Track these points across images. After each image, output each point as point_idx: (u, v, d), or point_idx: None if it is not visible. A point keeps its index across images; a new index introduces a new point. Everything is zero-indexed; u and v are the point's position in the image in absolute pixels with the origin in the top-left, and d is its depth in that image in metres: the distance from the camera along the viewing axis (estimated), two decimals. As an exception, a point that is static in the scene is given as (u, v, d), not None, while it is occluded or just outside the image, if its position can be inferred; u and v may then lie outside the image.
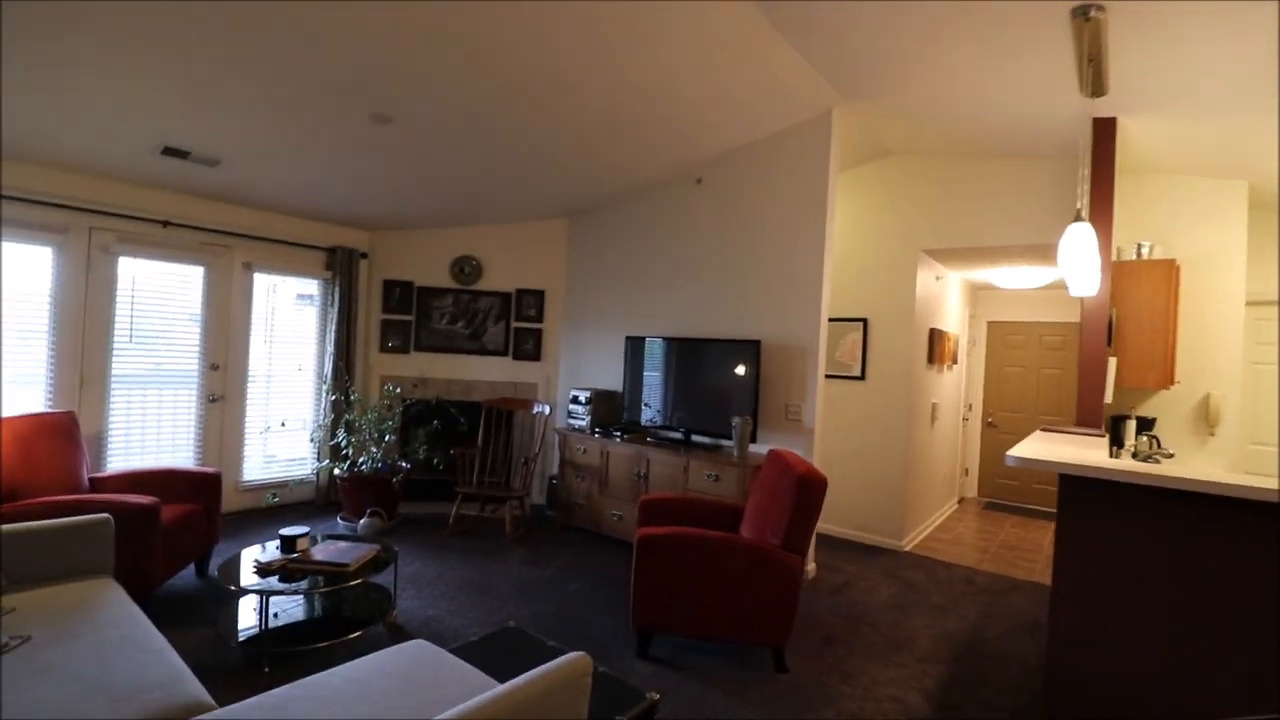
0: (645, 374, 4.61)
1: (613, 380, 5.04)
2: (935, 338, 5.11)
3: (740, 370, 4.08)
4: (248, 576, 2.64)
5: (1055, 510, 2.27)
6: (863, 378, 4.91)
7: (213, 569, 3.48)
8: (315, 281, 5.07)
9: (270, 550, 2.87)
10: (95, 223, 3.94)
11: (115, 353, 4.03)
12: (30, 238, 3.71)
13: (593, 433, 4.62)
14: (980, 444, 6.93)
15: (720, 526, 3.36)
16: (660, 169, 4.59)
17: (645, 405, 4.60)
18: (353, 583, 2.67)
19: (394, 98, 3.30)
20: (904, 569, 4.32)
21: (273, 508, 4.71)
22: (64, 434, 3.25)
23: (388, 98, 3.30)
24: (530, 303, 5.50)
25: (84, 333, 3.90)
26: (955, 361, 6.07)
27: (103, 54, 2.80)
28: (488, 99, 3.37)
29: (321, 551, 2.86)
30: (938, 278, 5.22)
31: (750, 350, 4.04)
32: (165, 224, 4.22)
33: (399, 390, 5.07)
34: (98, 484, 3.34)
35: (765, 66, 3.34)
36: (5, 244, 3.64)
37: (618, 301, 5.11)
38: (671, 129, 3.96)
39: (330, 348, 5.01)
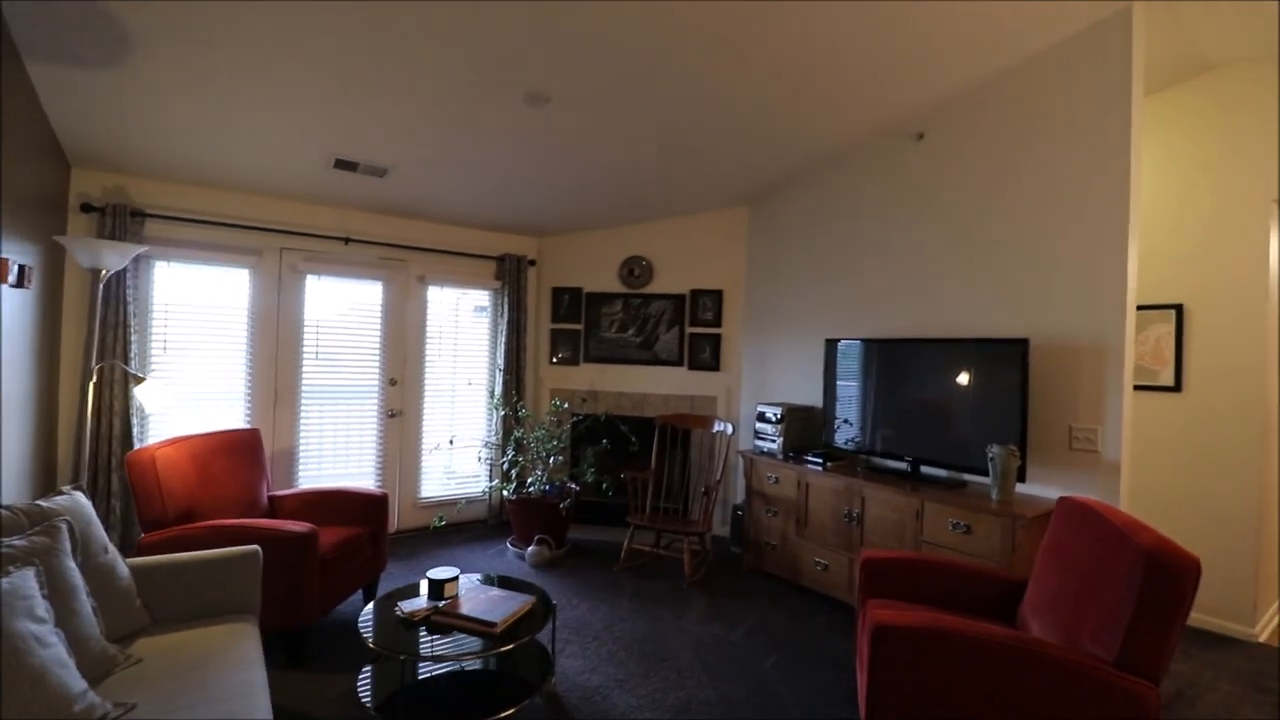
0: (852, 387, 3.67)
1: (808, 394, 4.15)
2: (1294, 328, 3.48)
3: (996, 381, 2.98)
4: (385, 632, 2.25)
5: None
6: (1177, 388, 3.46)
7: (381, 594, 3.26)
8: (486, 292, 4.88)
9: (420, 595, 2.48)
10: (286, 243, 4.03)
11: (304, 369, 4.09)
12: (231, 261, 3.86)
13: (786, 458, 3.78)
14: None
15: (986, 606, 2.35)
16: (862, 129, 3.64)
17: (847, 423, 3.66)
18: (501, 649, 2.16)
19: (549, 72, 2.82)
20: (1268, 673, 2.87)
21: (443, 530, 4.53)
22: (246, 452, 3.22)
23: (542, 73, 2.82)
24: (706, 305, 4.82)
25: (277, 350, 4.00)
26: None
27: (262, 81, 2.76)
28: (650, 62, 2.75)
29: (471, 601, 2.41)
30: (1295, 241, 3.57)
31: (1012, 353, 2.93)
32: (347, 240, 4.23)
33: (566, 405, 4.67)
34: (276, 503, 3.28)
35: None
36: (212, 268, 3.82)
37: (811, 298, 4.22)
38: (879, 71, 3.02)
39: (500, 360, 4.78)
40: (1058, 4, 2.68)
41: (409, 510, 4.51)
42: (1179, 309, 3.45)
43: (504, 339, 4.78)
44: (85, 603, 1.85)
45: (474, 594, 2.48)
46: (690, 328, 4.83)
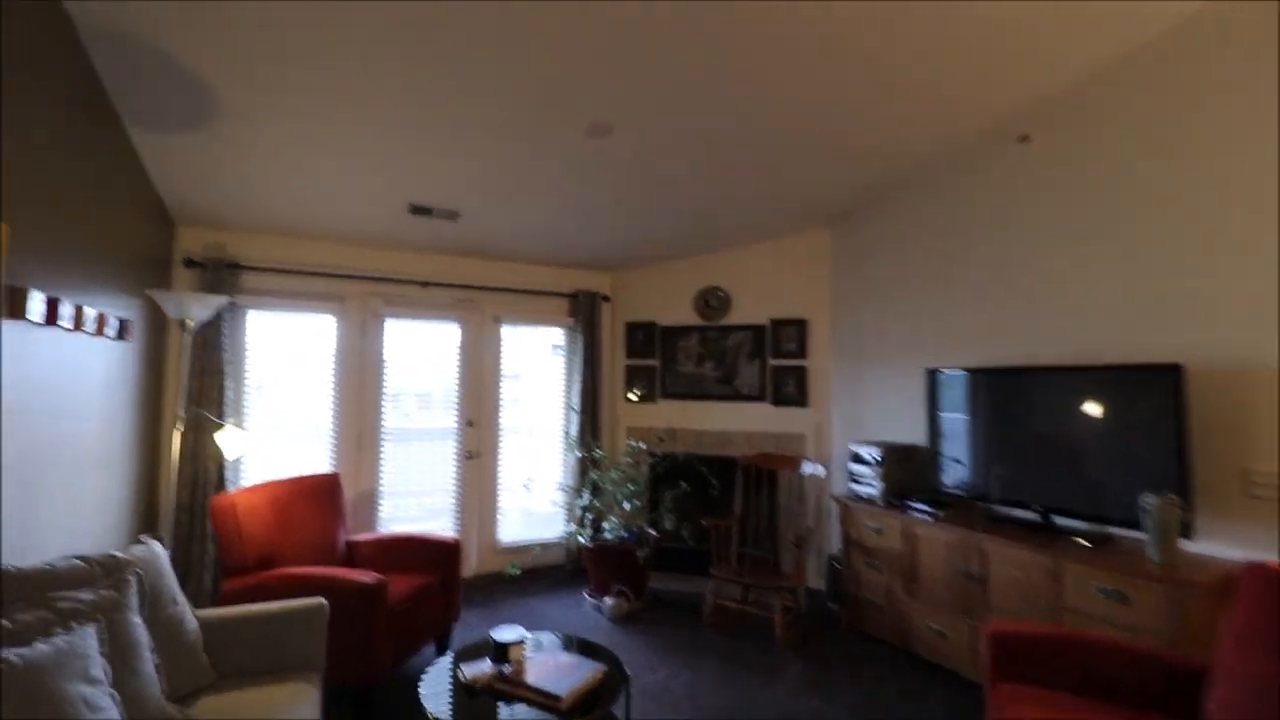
0: (960, 423, 3.25)
1: (909, 431, 3.73)
2: None
3: (1142, 415, 2.51)
4: (445, 701, 2.08)
5: None
6: (1384, 420, 2.80)
7: (455, 645, 3.13)
8: (560, 330, 4.81)
9: (483, 659, 2.31)
10: (367, 289, 4.13)
11: (384, 411, 4.13)
12: (318, 307, 3.99)
13: (888, 505, 3.38)
14: None
15: (1154, 701, 1.89)
16: (961, 130, 3.28)
17: (958, 463, 3.22)
18: (568, 726, 1.94)
19: (610, 100, 2.71)
20: None
21: (520, 577, 4.37)
22: (325, 497, 3.22)
23: (603, 101, 2.71)
24: (789, 335, 4.51)
25: (361, 393, 4.07)
26: None
27: (340, 134, 2.83)
28: (714, 76, 2.58)
29: (538, 667, 2.20)
30: None
31: (1162, 381, 2.45)
32: (425, 284, 4.30)
33: (643, 445, 4.46)
34: (354, 549, 3.26)
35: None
36: (301, 315, 3.97)
37: (908, 324, 3.83)
38: (975, 64, 2.70)
39: (575, 399, 4.66)
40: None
41: (488, 554, 4.41)
42: (1381, 323, 2.81)
43: (579, 377, 4.67)
44: (147, 660, 1.80)
45: (542, 658, 2.28)
46: (772, 359, 4.53)
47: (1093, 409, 2.69)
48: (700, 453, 4.54)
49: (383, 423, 4.12)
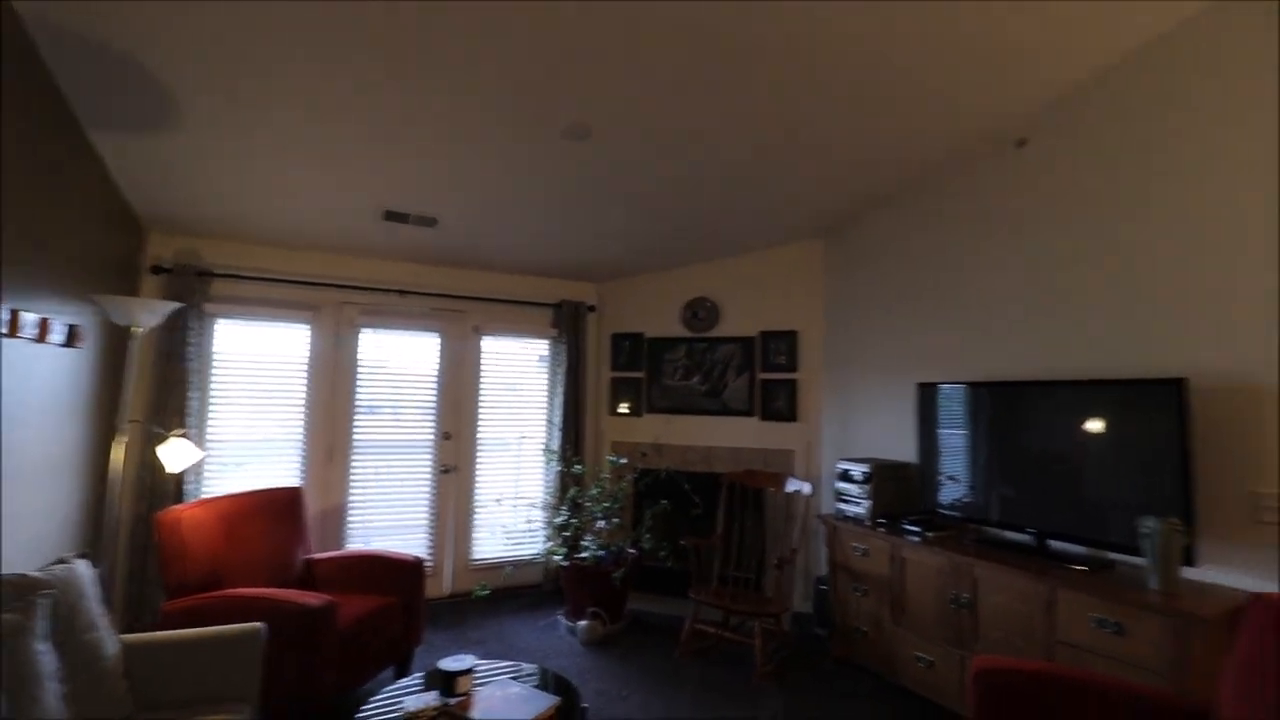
0: (955, 441, 3.09)
1: (900, 448, 3.57)
2: None
3: (1144, 433, 2.35)
4: (382, 737, 1.92)
5: None
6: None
7: (417, 670, 2.97)
8: (543, 341, 4.69)
9: (433, 689, 2.15)
10: (343, 297, 4.02)
11: (356, 422, 4.00)
12: (291, 316, 3.88)
13: (875, 525, 3.20)
14: None
15: (1160, 747, 1.71)
16: (956, 136, 3.16)
17: (953, 480, 3.06)
18: (511, 767, 1.78)
19: (588, 102, 2.60)
20: None
21: (491, 597, 4.16)
22: (283, 512, 3.08)
23: (581, 103, 2.60)
24: (779, 348, 4.36)
25: (333, 404, 3.94)
26: None
27: (305, 135, 2.71)
28: (699, 85, 2.47)
29: (486, 700, 2.05)
30: None
31: (1164, 397, 2.29)
32: (403, 293, 4.19)
33: (625, 460, 4.31)
34: (314, 568, 3.11)
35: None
36: (273, 324, 3.86)
37: (901, 338, 3.68)
38: (970, 70, 2.57)
39: (557, 412, 4.52)
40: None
41: (462, 573, 4.25)
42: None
43: (562, 389, 4.53)
44: (49, 690, 1.65)
45: (492, 691, 2.12)
46: (762, 373, 4.38)
47: (1092, 426, 2.53)
48: (686, 469, 4.38)
49: (355, 435, 3.99)
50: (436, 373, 4.30)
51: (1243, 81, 2.29)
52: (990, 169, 3.20)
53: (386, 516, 4.07)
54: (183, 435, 3.09)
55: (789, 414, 4.29)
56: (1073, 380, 2.65)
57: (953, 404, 3.11)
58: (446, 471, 4.25)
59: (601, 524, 3.85)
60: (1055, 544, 2.64)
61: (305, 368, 3.91)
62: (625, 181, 3.33)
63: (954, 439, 3.09)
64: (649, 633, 3.68)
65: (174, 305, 2.85)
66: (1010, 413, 2.84)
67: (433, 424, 4.25)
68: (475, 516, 4.33)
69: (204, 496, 3.33)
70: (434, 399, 4.27)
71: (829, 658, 3.34)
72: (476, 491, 4.35)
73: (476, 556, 4.32)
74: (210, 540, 2.68)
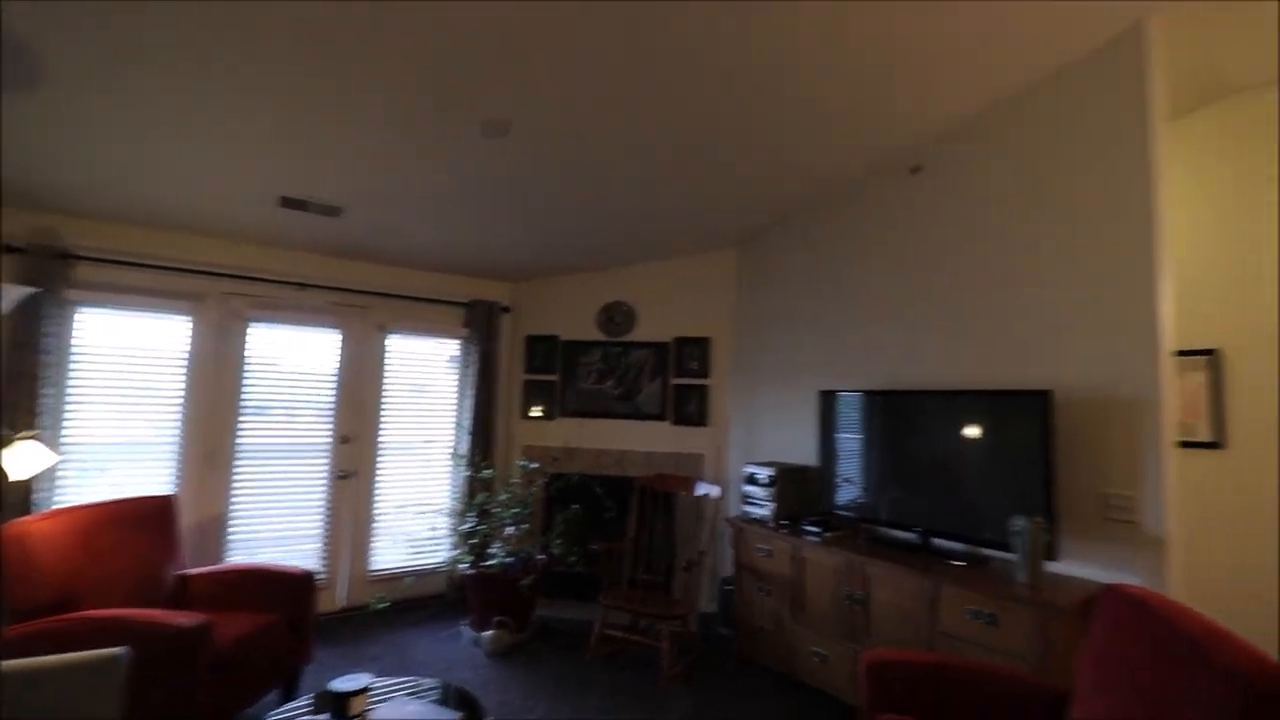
0: (852, 447, 3.26)
1: (803, 452, 3.73)
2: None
3: (1016, 439, 2.58)
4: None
5: None
6: (1218, 444, 3.04)
7: (305, 691, 2.77)
8: (454, 342, 4.53)
9: (325, 711, 2.02)
10: (231, 288, 3.71)
11: (241, 424, 3.69)
12: (170, 308, 3.53)
13: (778, 526, 3.33)
14: None
15: (1024, 727, 1.88)
16: (860, 159, 3.35)
17: (849, 482, 3.23)
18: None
19: (509, 99, 2.54)
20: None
21: (391, 609, 3.98)
22: (152, 523, 2.80)
23: (501, 99, 2.54)
24: (693, 354, 4.45)
25: (216, 405, 3.62)
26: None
27: (193, 107, 2.47)
28: (623, 91, 2.48)
29: None
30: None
31: (1033, 407, 2.53)
32: (301, 285, 3.92)
33: (536, 465, 4.24)
34: (188, 584, 2.84)
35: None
36: (149, 315, 3.50)
37: (807, 347, 3.85)
38: (876, 92, 2.74)
39: (467, 416, 4.38)
40: (1062, 21, 2.42)
41: (360, 584, 4.02)
42: (1213, 355, 3.06)
43: (473, 391, 4.39)
44: None
45: (389, 709, 2.02)
46: (675, 379, 4.45)
47: (970, 432, 2.75)
48: (599, 472, 4.37)
49: (240, 438, 3.68)
50: (336, 372, 4.05)
51: (1099, 130, 2.58)
52: (889, 192, 3.42)
53: (275, 526, 3.79)
54: (33, 437, 2.74)
55: (700, 419, 4.38)
56: (955, 390, 2.88)
57: (850, 410, 3.28)
58: (344, 477, 4.02)
59: (511, 530, 3.77)
60: (938, 542, 2.85)
61: (184, 363, 3.57)
62: (545, 182, 3.28)
63: (851, 443, 3.26)
64: (557, 639, 3.63)
65: (26, 291, 2.51)
66: (900, 419, 3.04)
67: (330, 427, 4.00)
68: (375, 525, 4.12)
69: (58, 506, 2.97)
70: (332, 400, 4.02)
71: (733, 658, 3.43)
72: (377, 498, 4.13)
73: (376, 567, 4.10)
74: (64, 556, 2.39)
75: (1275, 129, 2.91)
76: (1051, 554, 2.42)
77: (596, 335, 4.60)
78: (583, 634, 3.64)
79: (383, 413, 4.19)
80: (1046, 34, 2.48)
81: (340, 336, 4.07)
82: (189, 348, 3.58)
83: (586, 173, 3.22)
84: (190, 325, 3.60)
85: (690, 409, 4.40)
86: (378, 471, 4.14)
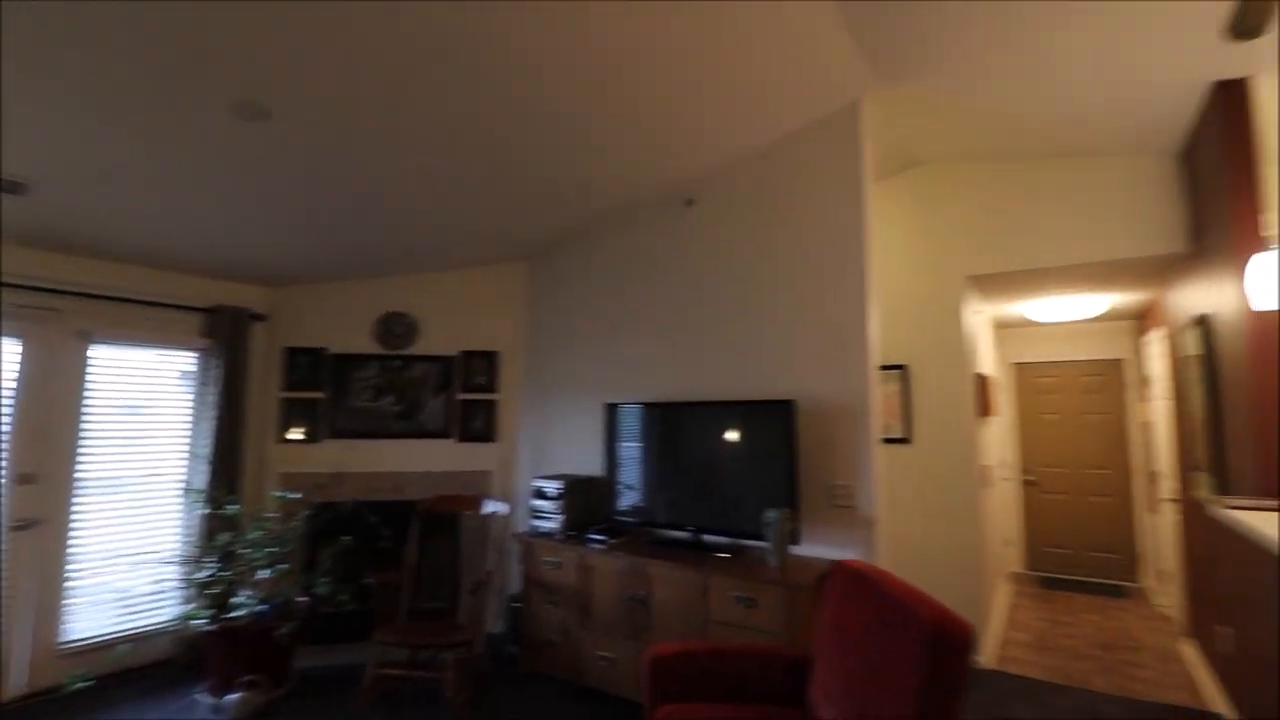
0: (634, 456, 3.47)
1: (592, 463, 3.86)
2: (981, 385, 4.14)
3: (768, 443, 2.98)
4: None
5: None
6: (908, 440, 3.85)
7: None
8: (189, 354, 3.83)
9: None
10: None
11: None
12: None
13: (566, 538, 3.39)
14: (1024, 507, 5.90)
15: (777, 693, 2.17)
16: (641, 188, 3.62)
17: (631, 489, 3.43)
18: None
19: (267, 81, 2.25)
20: (1003, 701, 3.14)
21: (97, 687, 3.20)
22: None
23: (258, 78, 2.24)
24: (480, 368, 4.35)
25: None
26: (996, 412, 5.11)
27: None
28: (400, 89, 2.35)
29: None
30: (976, 312, 4.31)
31: (780, 414, 2.95)
32: (-47, 281, 2.99)
33: (299, 495, 3.76)
34: None
35: (775, 32, 2.42)
36: None
37: (594, 361, 4.00)
38: (654, 132, 3.00)
39: (205, 442, 3.72)
40: (805, 89, 2.90)
41: (45, 663, 3.15)
42: (904, 369, 3.88)
43: (214, 412, 3.75)
44: None
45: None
46: (461, 394, 4.30)
47: (731, 437, 3.11)
48: (371, 499, 4.02)
49: None
50: (13, 393, 3.16)
51: (826, 183, 3.13)
52: (665, 220, 3.73)
53: (-98, 601, 2.81)
54: None
55: (488, 434, 4.29)
56: (718, 401, 3.24)
57: (632, 421, 3.50)
58: (22, 528, 3.14)
59: (265, 573, 3.28)
60: (709, 538, 3.16)
61: None
62: (311, 179, 2.96)
63: (633, 453, 3.47)
64: (325, 690, 3.24)
65: None
66: (673, 429, 3.32)
67: (3, 465, 3.10)
68: (71, 585, 3.28)
69: None
70: (5, 429, 3.12)
71: (520, 673, 3.39)
72: (73, 550, 3.30)
73: (72, 637, 3.26)
74: None
75: (947, 194, 3.81)
76: (795, 539, 2.83)
77: (373, 348, 4.25)
78: (355, 678, 3.30)
79: (82, 442, 3.37)
80: (791, 98, 2.97)
81: (20, 347, 3.19)
82: None
83: (364, 171, 2.98)
84: None
85: (477, 424, 4.29)
86: (74, 516, 3.31)
